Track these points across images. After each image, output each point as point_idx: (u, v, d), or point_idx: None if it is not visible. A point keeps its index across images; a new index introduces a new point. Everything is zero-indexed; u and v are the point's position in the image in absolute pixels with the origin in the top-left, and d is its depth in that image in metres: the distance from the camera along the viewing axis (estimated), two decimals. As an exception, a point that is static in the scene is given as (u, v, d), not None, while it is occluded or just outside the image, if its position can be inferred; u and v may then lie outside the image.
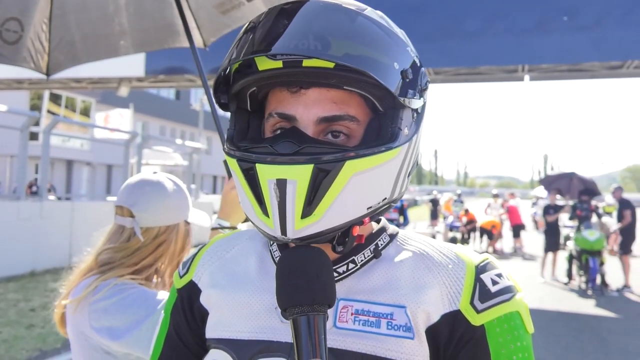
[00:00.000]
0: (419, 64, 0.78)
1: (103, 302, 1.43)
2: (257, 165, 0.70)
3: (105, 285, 1.46)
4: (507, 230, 16.75)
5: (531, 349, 0.79)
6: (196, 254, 0.95)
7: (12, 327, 6.13)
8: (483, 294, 0.77)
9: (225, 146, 0.78)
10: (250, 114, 0.82)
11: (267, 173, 0.69)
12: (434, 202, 20.50)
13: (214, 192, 42.75)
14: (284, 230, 0.70)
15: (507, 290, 0.79)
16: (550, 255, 11.30)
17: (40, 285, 8.47)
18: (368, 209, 0.73)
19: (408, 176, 0.79)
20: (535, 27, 9.72)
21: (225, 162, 1.68)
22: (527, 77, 11.36)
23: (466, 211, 16.53)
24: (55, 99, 26.49)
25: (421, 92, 0.77)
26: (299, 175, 0.67)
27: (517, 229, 15.96)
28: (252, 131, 0.81)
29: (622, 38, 9.32)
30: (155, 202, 1.57)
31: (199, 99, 35.74)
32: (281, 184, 0.68)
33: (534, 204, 23.99)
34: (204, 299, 0.89)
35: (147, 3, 2.07)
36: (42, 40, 2.02)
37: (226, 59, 0.74)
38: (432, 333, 0.76)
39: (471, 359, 0.76)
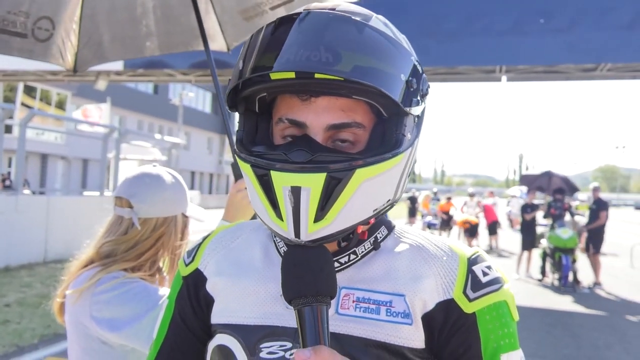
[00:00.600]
0: (420, 71, 0.81)
1: (105, 294, 1.46)
2: (272, 172, 0.73)
3: (108, 277, 1.48)
4: (482, 229, 17.03)
5: (516, 335, 0.86)
6: (201, 243, 1.00)
7: (-13, 322, 6.04)
8: (475, 284, 0.84)
9: (236, 148, 0.82)
10: (259, 115, 0.85)
11: (282, 180, 0.73)
12: (412, 200, 20.72)
13: (192, 187, 42.43)
14: (297, 233, 0.74)
15: (496, 281, 0.86)
16: (525, 252, 11.56)
17: (15, 280, 8.34)
18: (374, 211, 0.79)
19: (408, 176, 0.84)
20: (512, 28, 9.89)
21: (232, 164, 1.72)
22: (504, 77, 11.55)
23: (449, 199, 16.83)
24: (29, 91, 25.96)
25: (422, 98, 0.81)
26: (313, 183, 0.72)
27: (493, 226, 16.25)
28: (260, 134, 0.84)
29: (596, 41, 9.54)
30: (153, 194, 1.60)
31: (179, 94, 35.37)
32: (296, 191, 0.72)
33: (509, 202, 24.41)
34: (209, 287, 0.93)
35: (174, 7, 2.15)
36: (71, 39, 2.10)
37: (239, 67, 0.77)
38: (428, 319, 0.82)
39: (463, 343, 0.82)
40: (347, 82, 0.72)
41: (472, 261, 0.87)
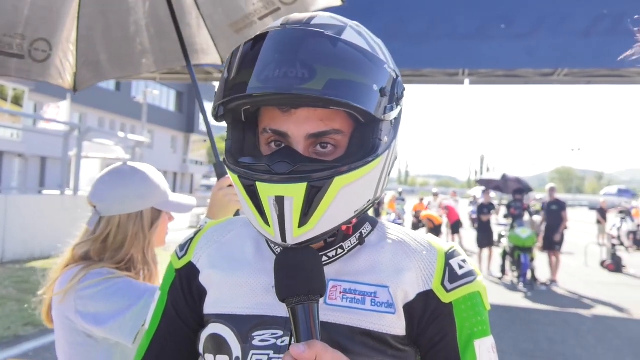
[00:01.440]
0: (395, 77, 0.87)
1: (90, 290, 1.48)
2: (257, 183, 0.79)
3: (93, 274, 1.51)
4: (445, 228, 17.37)
5: (488, 323, 0.94)
6: (193, 237, 1.05)
7: (-58, 325, 5.83)
8: (452, 276, 0.92)
9: (225, 158, 0.87)
10: (245, 124, 0.90)
11: (266, 191, 0.79)
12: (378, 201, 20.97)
13: (155, 187, 41.65)
14: (283, 238, 0.81)
15: (471, 273, 0.94)
16: (485, 251, 11.88)
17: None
18: (355, 212, 0.86)
19: (389, 174, 0.91)
20: (475, 33, 10.14)
21: (215, 164, 1.77)
22: (467, 80, 11.82)
23: (421, 199, 17.13)
24: (-17, 87, 25.05)
25: (397, 102, 0.86)
26: (295, 193, 0.78)
27: (456, 225, 16.60)
28: (248, 143, 0.90)
29: (554, 47, 9.88)
30: (111, 192, 1.61)
31: (142, 91, 34.70)
32: (279, 200, 0.78)
33: (472, 202, 24.96)
34: (202, 279, 0.99)
35: (165, 25, 2.19)
36: (69, 59, 2.16)
37: (224, 81, 0.82)
38: (409, 309, 0.90)
39: (441, 330, 0.90)
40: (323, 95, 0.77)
41: (449, 255, 0.95)
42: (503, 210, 12.58)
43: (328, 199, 0.79)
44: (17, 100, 27.46)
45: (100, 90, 36.25)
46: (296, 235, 0.80)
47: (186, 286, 1.01)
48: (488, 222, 12.10)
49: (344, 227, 0.89)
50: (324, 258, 0.93)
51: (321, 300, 0.89)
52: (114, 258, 1.58)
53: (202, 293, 0.99)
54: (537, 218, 12.75)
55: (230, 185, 1.66)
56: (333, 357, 0.77)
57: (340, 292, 0.90)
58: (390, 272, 0.92)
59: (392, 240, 0.97)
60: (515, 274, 10.72)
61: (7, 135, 28.00)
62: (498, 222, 12.65)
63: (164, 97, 44.81)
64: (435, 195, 18.04)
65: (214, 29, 2.26)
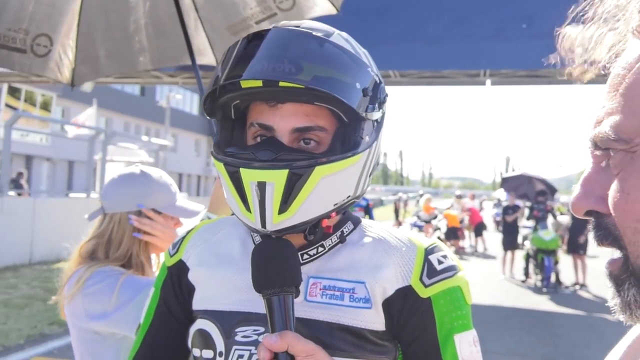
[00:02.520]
0: (378, 81, 0.91)
1: (95, 287, 1.54)
2: (241, 169, 0.83)
3: (97, 273, 1.57)
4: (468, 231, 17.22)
5: (470, 317, 0.95)
6: (185, 236, 1.09)
7: (-28, 324, 6.03)
8: (430, 271, 0.93)
9: (212, 150, 0.91)
10: (234, 121, 0.95)
11: (249, 176, 0.82)
12: (397, 204, 20.89)
13: (180, 190, 42.09)
14: (263, 224, 0.84)
15: (450, 269, 0.95)
16: (509, 253, 11.73)
17: (0, 282, 8.31)
18: (334, 205, 0.88)
19: (370, 175, 0.94)
20: (495, 33, 10.05)
21: None
22: (488, 81, 11.71)
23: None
24: (13, 92, 25.71)
25: (380, 105, 0.91)
26: (276, 178, 0.81)
27: (479, 228, 16.43)
28: (236, 137, 0.94)
29: (578, 46, 9.72)
30: (115, 190, 1.70)
31: (166, 96, 35.23)
32: (261, 186, 0.81)
33: (496, 204, 24.68)
34: (191, 276, 1.03)
35: (164, 24, 2.27)
36: (68, 54, 2.22)
37: (214, 78, 0.88)
38: (388, 304, 0.92)
39: (420, 325, 0.92)
40: (308, 89, 0.82)
41: (429, 251, 0.96)
42: (527, 213, 12.41)
43: (308, 187, 0.82)
44: (45, 106, 28.13)
45: (126, 95, 36.94)
46: (276, 221, 0.83)
47: (176, 283, 1.04)
48: (514, 223, 11.95)
49: (324, 223, 0.91)
50: (305, 256, 0.95)
51: (301, 297, 0.92)
52: (116, 255, 1.64)
53: (190, 290, 1.02)
54: (564, 219, 12.53)
55: None
56: (305, 347, 0.79)
57: (320, 289, 0.93)
58: (369, 268, 0.94)
59: (372, 238, 0.99)
60: (539, 277, 10.57)
61: (37, 140, 28.71)
62: (523, 224, 12.47)
63: (187, 101, 45.38)
64: (459, 197, 17.89)
65: (212, 32, 2.32)
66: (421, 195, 19.87)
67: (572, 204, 0.59)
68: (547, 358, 6.01)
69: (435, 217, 16.95)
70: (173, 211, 1.73)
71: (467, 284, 0.97)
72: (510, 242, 11.74)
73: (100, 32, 2.27)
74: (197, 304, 1.00)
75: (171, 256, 1.07)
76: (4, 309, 6.72)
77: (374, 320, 0.91)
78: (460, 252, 16.00)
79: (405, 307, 0.92)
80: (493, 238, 18.73)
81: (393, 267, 0.94)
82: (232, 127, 0.95)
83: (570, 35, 0.66)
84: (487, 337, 6.49)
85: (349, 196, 0.90)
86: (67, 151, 29.26)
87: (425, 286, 0.92)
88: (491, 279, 11.34)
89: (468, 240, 17.41)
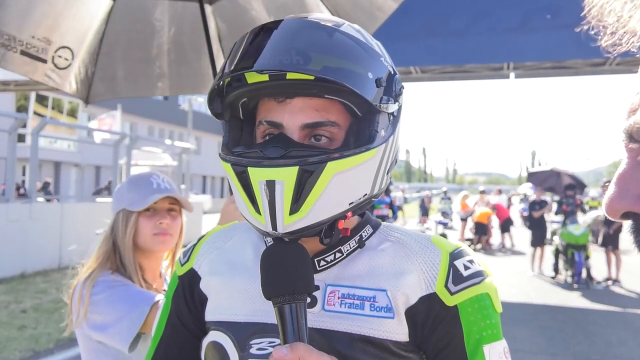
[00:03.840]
0: (392, 72, 0.85)
1: (96, 297, 1.55)
2: (248, 168, 0.78)
3: (99, 283, 1.59)
4: (495, 227, 16.95)
5: (499, 326, 0.88)
6: (196, 244, 1.04)
7: (4, 328, 6.14)
8: (456, 278, 0.87)
9: (220, 152, 0.86)
10: (243, 121, 0.90)
11: (257, 175, 0.77)
12: (423, 200, 20.72)
13: (204, 192, 42.65)
14: (274, 226, 0.78)
15: (478, 274, 0.88)
16: (538, 249, 11.49)
17: (31, 286, 8.47)
18: (350, 204, 0.82)
19: (387, 173, 0.88)
20: (519, 25, 9.86)
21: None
22: (512, 74, 11.52)
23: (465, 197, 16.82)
24: (41, 100, 26.21)
25: (396, 97, 0.85)
26: (286, 176, 0.75)
27: (506, 224, 16.13)
28: (245, 137, 0.89)
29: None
30: (116, 191, 1.74)
31: (187, 99, 35.63)
32: (270, 185, 0.76)
33: (522, 200, 24.25)
34: (203, 286, 0.98)
35: (187, 52, 2.27)
36: (88, 71, 2.23)
37: (219, 73, 0.83)
38: (411, 313, 0.86)
39: (446, 335, 0.85)
40: (317, 81, 0.77)
41: (454, 256, 0.89)
42: (555, 207, 12.14)
43: (320, 185, 0.77)
44: (72, 113, 28.66)
45: (149, 100, 37.39)
46: (287, 223, 0.78)
47: (188, 293, 1.00)
48: (541, 219, 11.70)
49: (341, 225, 0.85)
50: (322, 263, 0.90)
51: (319, 306, 0.86)
52: (115, 257, 1.67)
53: (203, 300, 0.98)
54: (594, 214, 12.20)
55: None
56: None
57: (339, 298, 0.87)
58: (390, 275, 0.88)
59: (393, 243, 0.93)
60: (569, 272, 10.32)
61: (65, 147, 29.29)
62: (551, 219, 12.21)
63: (209, 104, 45.70)
64: (482, 193, 17.62)
65: None
66: (445, 192, 19.61)
67: (606, 205, 0.52)
68: (580, 357, 5.84)
69: (471, 214, 16.71)
70: (133, 205, 1.69)
71: (495, 291, 0.90)
72: (538, 238, 11.48)
73: (121, 52, 2.27)
74: (210, 314, 0.95)
75: (182, 265, 1.03)
76: (34, 313, 6.84)
77: (397, 330, 0.85)
78: (487, 248, 15.77)
79: (430, 317, 0.86)
80: (520, 234, 18.41)
81: (416, 273, 0.88)
82: (241, 127, 0.90)
83: None
84: (516, 336, 6.34)
85: (366, 194, 0.84)
86: (94, 156, 29.80)
87: (452, 293, 0.86)
88: (520, 275, 11.12)
89: (498, 237, 17.12)
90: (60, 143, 28.20)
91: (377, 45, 0.87)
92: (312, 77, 0.76)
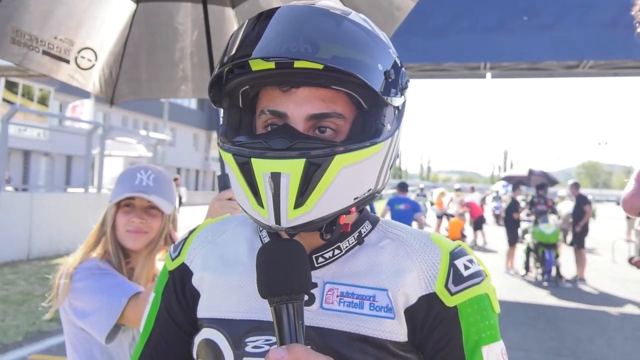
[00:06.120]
0: (399, 65, 0.83)
1: (79, 283, 1.55)
2: (252, 159, 0.74)
3: (82, 268, 1.59)
4: (467, 225, 17.18)
5: (497, 327, 0.87)
6: (187, 237, 1.00)
7: (-31, 320, 5.97)
8: (456, 278, 0.85)
9: (218, 141, 0.82)
10: (242, 110, 0.86)
11: (262, 167, 0.74)
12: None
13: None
14: (277, 220, 0.75)
15: (478, 274, 0.87)
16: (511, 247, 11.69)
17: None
18: (355, 199, 0.79)
19: (390, 168, 0.86)
20: (497, 26, 9.96)
21: (219, 176, 1.72)
22: (489, 74, 11.67)
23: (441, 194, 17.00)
24: (11, 87, 25.61)
25: (402, 91, 0.83)
26: (292, 169, 0.73)
27: (479, 222, 16.36)
28: (244, 127, 0.86)
29: (579, 38, 9.65)
30: None
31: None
32: (275, 177, 0.73)
33: (495, 198, 24.64)
34: (195, 281, 0.94)
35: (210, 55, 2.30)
36: (112, 72, 2.26)
37: (221, 60, 0.79)
38: (410, 313, 0.84)
39: (445, 335, 0.84)
40: (326, 71, 0.74)
41: (454, 255, 0.88)
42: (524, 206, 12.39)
43: (327, 178, 0.74)
44: (43, 100, 28.01)
45: (124, 89, 36.70)
46: (291, 217, 0.75)
47: (179, 289, 0.96)
48: (517, 219, 11.94)
49: (342, 221, 0.82)
50: (320, 259, 0.87)
51: (317, 304, 0.84)
52: (105, 245, 1.67)
53: (195, 296, 0.94)
54: (563, 208, 12.42)
55: (230, 199, 1.60)
56: None
57: (337, 296, 0.85)
58: (390, 273, 0.86)
59: (392, 240, 0.91)
60: (540, 270, 10.53)
61: (34, 135, 28.59)
62: (522, 218, 12.46)
63: (185, 95, 45.15)
64: (458, 191, 17.82)
65: None
66: (421, 189, 19.79)
67: (624, 202, 0.51)
68: (552, 352, 5.96)
69: (446, 212, 16.89)
70: (113, 198, 1.70)
71: (494, 291, 0.89)
72: (514, 237, 11.70)
73: (145, 55, 2.31)
74: (203, 311, 0.92)
75: (173, 259, 0.99)
76: (1, 305, 6.65)
77: (397, 330, 0.83)
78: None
79: (429, 317, 0.84)
80: (492, 232, 18.70)
81: (415, 272, 0.86)
82: (240, 116, 0.86)
83: None
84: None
85: (370, 189, 0.82)
86: (65, 146, 29.14)
87: (452, 294, 0.84)
88: (492, 272, 11.25)
89: (470, 235, 17.36)
90: (30, 131, 27.53)
91: (383, 35, 0.85)
92: (320, 66, 0.74)
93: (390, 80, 0.79)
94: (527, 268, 11.07)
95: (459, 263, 0.87)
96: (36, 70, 2.02)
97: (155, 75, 2.36)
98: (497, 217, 22.89)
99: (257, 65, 0.78)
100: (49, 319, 1.69)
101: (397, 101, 0.82)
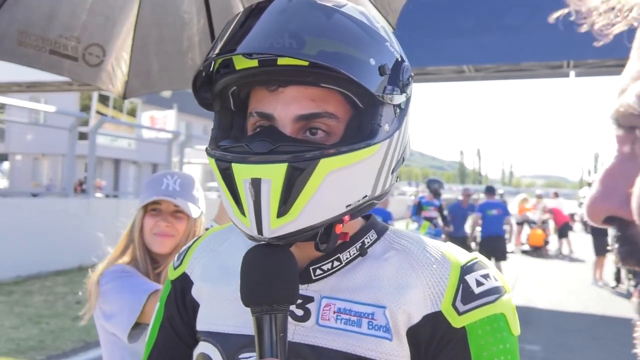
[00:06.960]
0: (400, 59, 0.76)
1: (105, 286, 1.59)
2: (232, 164, 0.70)
3: (108, 272, 1.63)
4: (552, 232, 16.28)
5: (516, 352, 0.77)
6: (190, 246, 0.97)
7: (59, 318, 6.40)
8: (465, 295, 0.76)
9: (207, 147, 0.79)
10: (234, 113, 0.82)
11: (242, 172, 0.69)
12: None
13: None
14: (260, 229, 0.70)
15: (493, 291, 0.77)
16: (600, 258, 10.91)
17: (87, 279, 8.80)
18: (347, 206, 0.73)
19: (392, 172, 0.78)
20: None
21: None
22: (572, 73, 11.00)
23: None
24: (103, 100, 27.41)
25: (403, 87, 0.76)
26: (273, 174, 0.67)
27: (564, 229, 15.40)
28: (235, 130, 0.81)
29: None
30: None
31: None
32: (256, 183, 0.68)
33: (581, 204, 23.19)
34: (195, 292, 0.91)
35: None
36: (122, 67, 2.25)
37: (204, 57, 0.75)
38: (413, 333, 0.76)
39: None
40: (313, 67, 0.69)
41: (466, 269, 0.79)
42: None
43: (312, 184, 0.68)
44: (132, 112, 29.76)
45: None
46: (274, 226, 0.69)
47: (180, 299, 0.93)
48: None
49: (339, 230, 0.75)
50: (318, 271, 0.81)
51: (313, 320, 0.78)
52: (133, 251, 1.71)
53: (195, 307, 0.90)
54: None
55: None
56: None
57: (334, 312, 0.78)
58: (392, 289, 0.78)
59: (398, 251, 0.82)
60: (632, 282, 9.75)
61: (124, 145, 30.44)
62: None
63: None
64: (539, 197, 16.93)
65: None
66: (501, 195, 19.01)
67: (587, 207, 0.42)
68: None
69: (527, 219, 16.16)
70: (142, 201, 1.73)
71: (513, 310, 0.78)
72: (602, 246, 10.89)
73: (154, 46, 2.28)
74: (200, 324, 0.88)
75: (175, 269, 0.96)
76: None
77: (397, 352, 0.75)
78: (544, 254, 15.16)
79: (434, 338, 0.75)
80: (580, 239, 17.58)
81: (420, 287, 0.77)
82: (232, 119, 0.82)
83: None
84: (573, 347, 6.04)
85: (366, 196, 0.74)
86: (151, 154, 30.79)
87: (459, 313, 0.75)
88: (578, 283, 10.61)
89: (555, 243, 16.44)
90: (120, 141, 29.32)
91: (383, 29, 0.78)
92: (306, 63, 0.69)
93: (386, 76, 0.72)
94: (617, 279, 10.28)
95: (471, 278, 0.78)
96: (45, 70, 2.01)
97: (165, 67, 2.34)
98: (585, 224, 21.52)
99: (240, 63, 0.73)
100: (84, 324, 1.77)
101: (396, 99, 0.75)
